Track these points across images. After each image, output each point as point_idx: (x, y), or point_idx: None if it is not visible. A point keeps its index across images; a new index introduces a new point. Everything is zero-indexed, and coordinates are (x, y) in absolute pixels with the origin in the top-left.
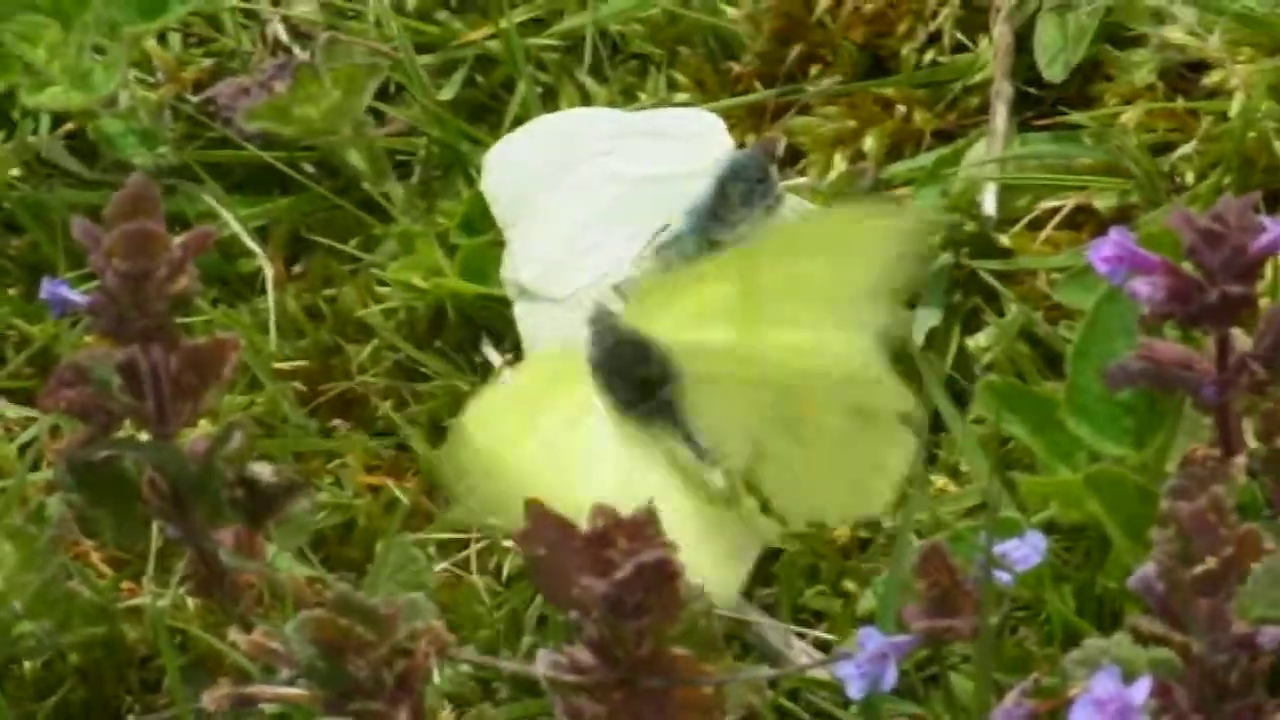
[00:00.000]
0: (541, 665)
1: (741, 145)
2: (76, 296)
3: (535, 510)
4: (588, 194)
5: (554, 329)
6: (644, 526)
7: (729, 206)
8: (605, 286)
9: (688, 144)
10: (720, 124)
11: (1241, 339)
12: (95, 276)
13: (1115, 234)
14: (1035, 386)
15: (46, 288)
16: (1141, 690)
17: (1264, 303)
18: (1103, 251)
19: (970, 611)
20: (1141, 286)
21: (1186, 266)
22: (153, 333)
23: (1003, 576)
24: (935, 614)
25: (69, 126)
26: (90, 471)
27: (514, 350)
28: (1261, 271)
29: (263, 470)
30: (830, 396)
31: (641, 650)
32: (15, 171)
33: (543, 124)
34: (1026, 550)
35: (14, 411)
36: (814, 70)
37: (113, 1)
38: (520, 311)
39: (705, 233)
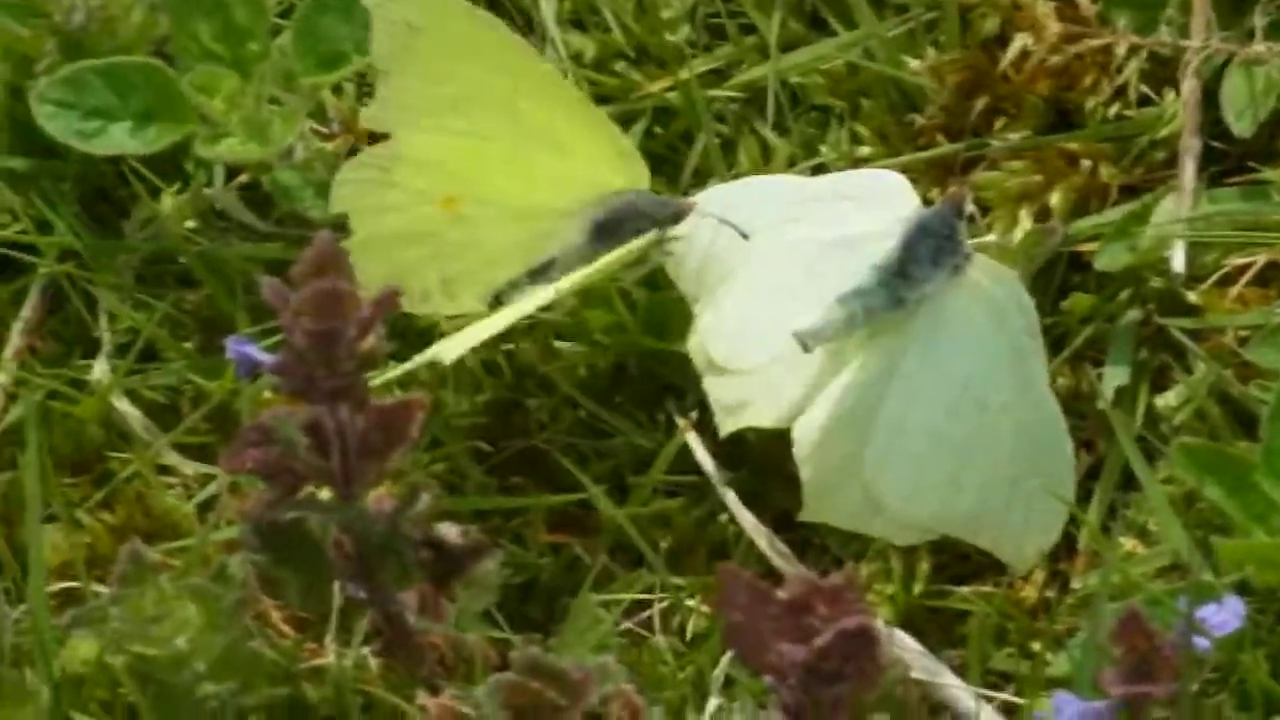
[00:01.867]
0: None
1: (927, 200)
2: (263, 356)
3: (729, 573)
4: (774, 263)
5: (746, 398)
6: (844, 591)
7: (916, 264)
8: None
9: (873, 205)
10: (904, 182)
11: None
12: (275, 332)
13: None
14: (1230, 447)
15: (233, 346)
16: None
17: None
18: None
19: (1169, 677)
20: None
21: None
22: (340, 392)
23: (1201, 642)
24: (1133, 679)
25: (243, 178)
26: (275, 532)
27: (697, 408)
28: None
29: (449, 531)
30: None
31: (838, 717)
32: (191, 224)
33: (722, 193)
34: (1226, 615)
35: (192, 468)
36: (999, 124)
37: (291, 53)
38: (709, 384)
39: (891, 288)
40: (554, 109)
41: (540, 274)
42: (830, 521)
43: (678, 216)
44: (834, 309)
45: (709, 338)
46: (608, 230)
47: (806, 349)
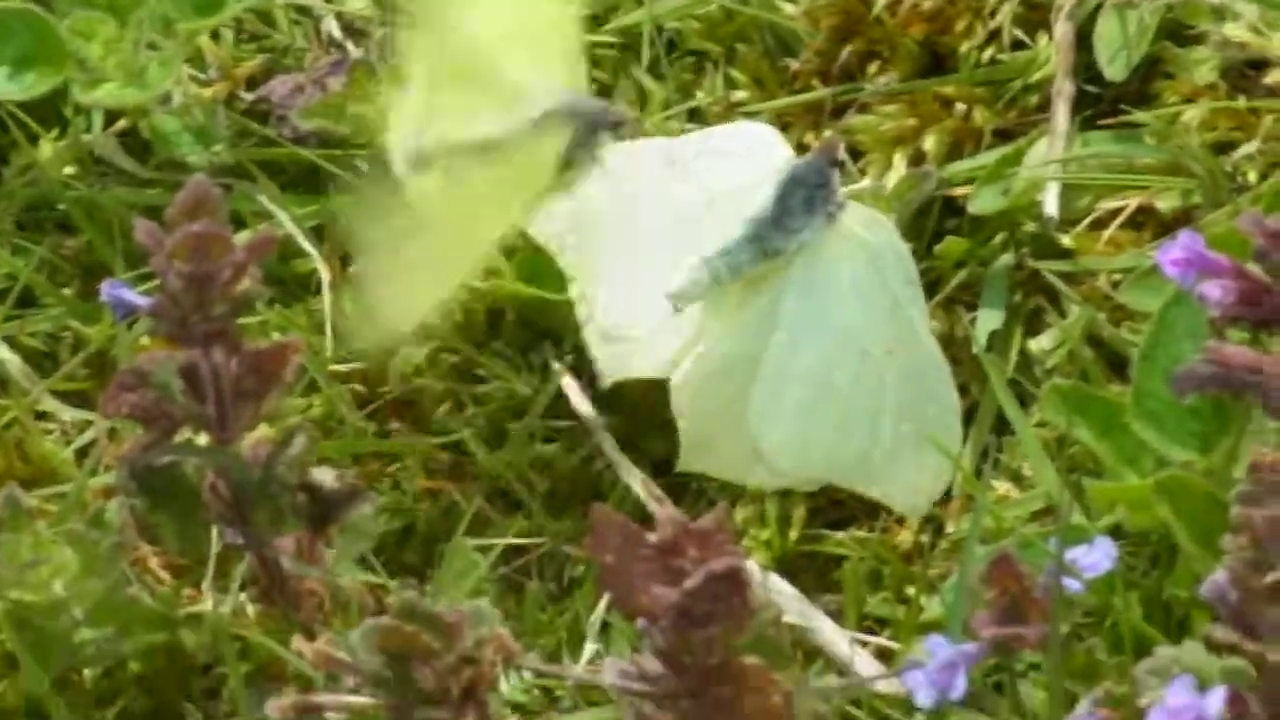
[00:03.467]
0: (609, 674)
1: (800, 145)
2: (139, 299)
3: (602, 516)
4: (652, 227)
5: (636, 367)
6: (714, 534)
7: (790, 214)
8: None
9: (744, 158)
10: (775, 133)
11: None
12: (153, 277)
13: (1184, 236)
14: (1101, 390)
15: (107, 290)
16: (1217, 699)
17: None
18: (1171, 254)
19: (1040, 619)
20: (1211, 290)
21: (1254, 269)
22: (215, 336)
23: (1072, 584)
24: (1004, 622)
25: (122, 124)
26: (152, 477)
27: (573, 353)
28: None
29: (325, 476)
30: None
31: (710, 659)
32: (69, 170)
33: None
34: (1097, 557)
35: (70, 414)
36: (872, 68)
37: None
38: (589, 334)
39: (763, 240)
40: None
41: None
42: (709, 472)
43: (616, 124)
44: (699, 268)
45: (597, 309)
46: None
47: (677, 309)
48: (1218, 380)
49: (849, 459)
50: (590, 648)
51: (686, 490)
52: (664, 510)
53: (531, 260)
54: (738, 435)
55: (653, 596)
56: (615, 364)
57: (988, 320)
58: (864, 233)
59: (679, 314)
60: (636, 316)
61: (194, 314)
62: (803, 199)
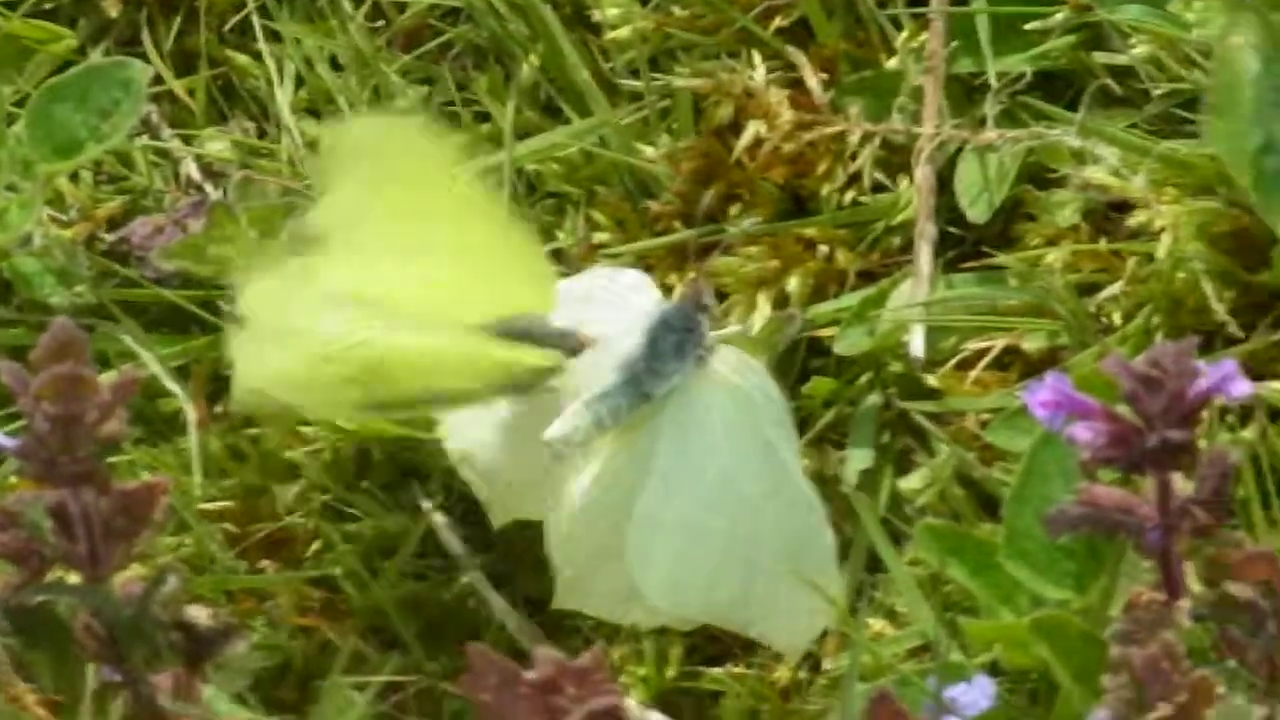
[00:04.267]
0: None
1: (665, 286)
2: (5, 440)
3: (478, 654)
4: None
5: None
6: (593, 672)
7: (660, 359)
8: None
9: (614, 304)
10: (643, 277)
11: (1181, 483)
12: (16, 417)
13: (1052, 379)
14: (973, 529)
15: None
16: None
17: (1202, 445)
18: (1040, 396)
19: None
20: (1082, 432)
21: (1123, 410)
22: (83, 476)
23: None
24: None
25: None
26: (25, 616)
27: (442, 492)
28: (1199, 416)
29: (199, 614)
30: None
31: None
32: None
33: None
34: (975, 695)
35: None
36: (734, 210)
37: (27, 140)
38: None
39: (636, 384)
40: (471, 225)
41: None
42: (585, 610)
43: (575, 349)
44: (581, 413)
45: (471, 465)
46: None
47: (559, 456)
48: (1090, 521)
49: (727, 600)
50: None
51: (560, 628)
52: (540, 649)
53: None
54: (614, 574)
55: None
56: (502, 507)
57: (857, 459)
58: (734, 376)
59: (560, 459)
60: (510, 469)
61: (62, 454)
62: (673, 343)
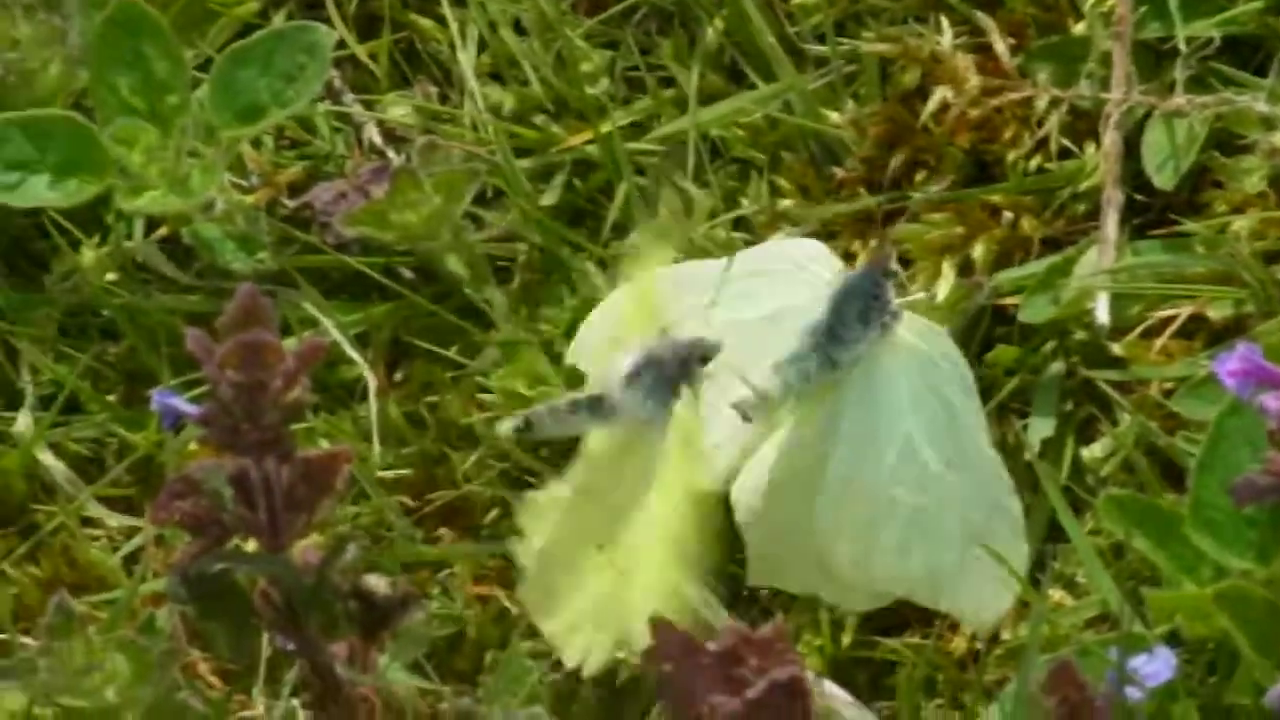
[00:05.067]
0: None
1: (848, 254)
2: (189, 407)
3: (660, 626)
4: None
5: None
6: (774, 643)
7: (845, 326)
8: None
9: (794, 276)
10: (823, 249)
11: None
12: (199, 383)
13: (1242, 347)
14: (1157, 499)
15: (157, 398)
16: None
17: None
18: (1228, 365)
19: None
20: (1271, 401)
21: None
22: (267, 444)
23: (1133, 693)
24: None
25: (163, 231)
26: (203, 584)
27: None
28: None
29: (378, 583)
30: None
31: None
32: (111, 277)
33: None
34: (1158, 666)
35: (116, 520)
36: (919, 176)
37: (210, 106)
38: None
39: (825, 351)
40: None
41: None
42: (779, 586)
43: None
44: (770, 376)
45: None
46: None
47: (747, 419)
48: (1277, 491)
49: (916, 574)
50: None
51: (737, 598)
52: (725, 619)
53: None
54: (805, 549)
55: (712, 706)
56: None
57: (1040, 428)
58: (920, 343)
59: (747, 424)
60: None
61: (246, 422)
62: (857, 311)
